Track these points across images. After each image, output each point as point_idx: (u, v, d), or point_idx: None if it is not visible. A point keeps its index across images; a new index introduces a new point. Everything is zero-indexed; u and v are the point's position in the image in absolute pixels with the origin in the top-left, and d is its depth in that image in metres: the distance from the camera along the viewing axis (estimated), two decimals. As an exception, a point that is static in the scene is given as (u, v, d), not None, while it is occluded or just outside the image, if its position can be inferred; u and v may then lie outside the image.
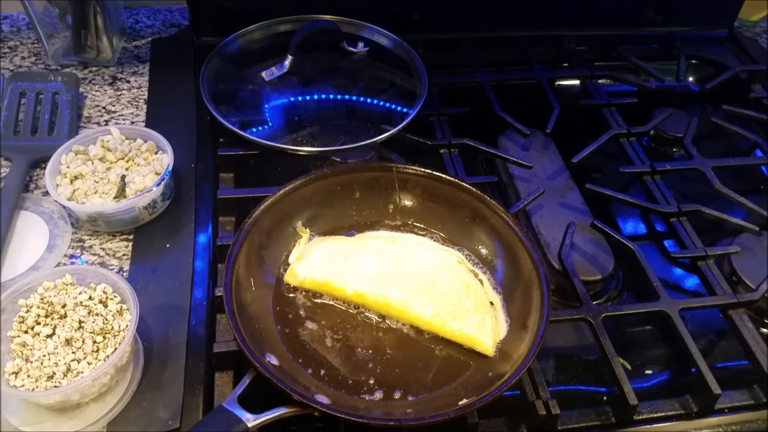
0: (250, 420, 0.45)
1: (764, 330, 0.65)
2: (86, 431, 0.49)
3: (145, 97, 0.79)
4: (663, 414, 0.56)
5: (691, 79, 0.95)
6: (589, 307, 0.59)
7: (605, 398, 0.58)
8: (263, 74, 0.77)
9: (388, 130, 0.70)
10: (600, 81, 0.90)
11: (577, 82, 0.90)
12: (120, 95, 0.79)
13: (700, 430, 0.55)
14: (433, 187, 0.63)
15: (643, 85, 0.88)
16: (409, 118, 0.72)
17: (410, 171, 0.64)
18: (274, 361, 0.51)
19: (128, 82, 0.81)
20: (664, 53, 0.95)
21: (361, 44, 0.81)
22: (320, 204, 0.63)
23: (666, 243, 0.73)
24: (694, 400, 0.56)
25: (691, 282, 0.69)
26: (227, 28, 0.82)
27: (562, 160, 0.78)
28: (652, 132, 0.84)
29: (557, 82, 0.91)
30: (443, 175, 0.63)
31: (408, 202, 0.65)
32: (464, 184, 0.63)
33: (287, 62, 0.77)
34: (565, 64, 0.93)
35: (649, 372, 0.61)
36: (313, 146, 0.69)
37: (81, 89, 0.78)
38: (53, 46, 0.81)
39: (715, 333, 0.65)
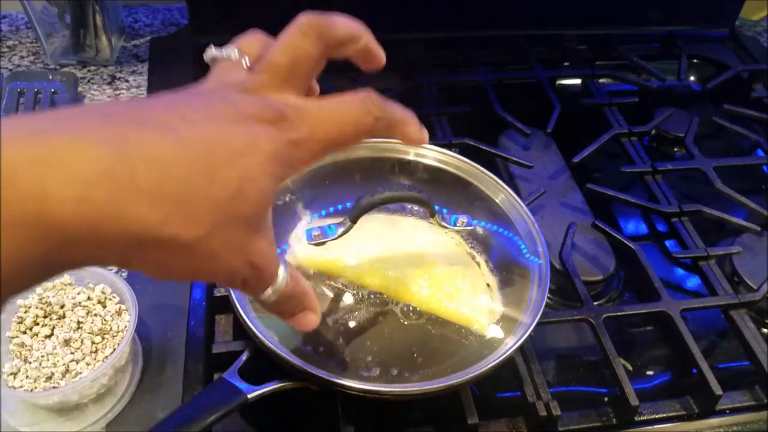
0: (250, 391, 0.46)
1: (765, 330, 0.64)
2: (85, 432, 0.49)
3: (144, 96, 0.79)
4: (664, 415, 0.55)
5: (692, 78, 0.95)
6: (590, 308, 0.59)
7: (606, 399, 0.57)
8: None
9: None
10: (601, 80, 0.89)
11: (577, 81, 0.90)
12: (119, 94, 0.79)
13: (701, 430, 0.55)
14: (434, 171, 0.63)
15: (644, 84, 0.88)
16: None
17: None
18: (274, 338, 0.51)
19: (127, 81, 0.81)
20: (665, 52, 0.95)
21: (462, 219, 0.57)
22: (320, 186, 0.63)
23: (667, 243, 0.72)
24: (695, 401, 0.56)
25: (693, 282, 0.69)
26: (227, 28, 0.81)
27: (563, 159, 0.78)
28: (653, 131, 0.83)
29: (558, 82, 0.90)
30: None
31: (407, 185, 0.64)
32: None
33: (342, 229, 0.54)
34: (565, 64, 0.93)
35: (650, 373, 0.61)
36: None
37: (80, 88, 0.78)
38: (52, 45, 0.81)
39: (716, 333, 0.65)
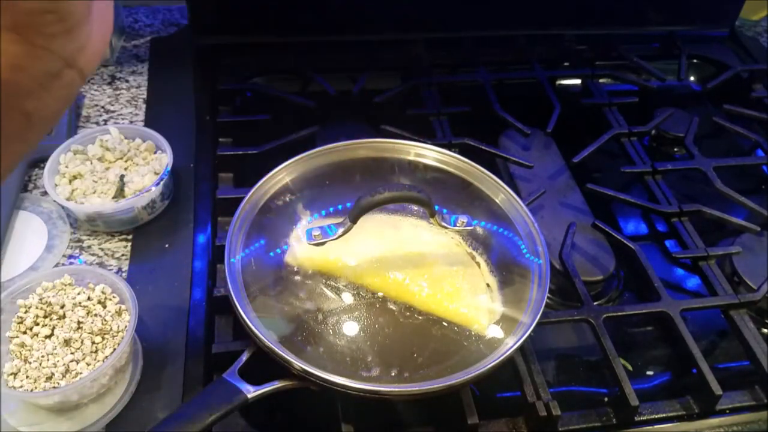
0: (250, 391, 0.46)
1: (765, 330, 0.64)
2: (85, 432, 0.49)
3: (144, 96, 0.79)
4: (664, 415, 0.55)
5: (692, 78, 0.95)
6: (590, 308, 0.59)
7: (606, 399, 0.58)
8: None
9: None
10: (601, 80, 0.89)
11: (578, 81, 0.90)
12: (119, 94, 0.79)
13: (701, 430, 0.55)
14: (434, 170, 0.63)
15: (644, 84, 0.88)
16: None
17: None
18: (274, 338, 0.51)
19: (127, 81, 0.81)
20: (665, 52, 0.95)
21: (462, 219, 0.57)
22: (320, 186, 0.63)
23: (667, 243, 0.72)
24: (695, 401, 0.56)
25: (693, 282, 0.69)
26: (227, 28, 0.81)
27: (563, 159, 0.78)
28: (653, 131, 0.83)
29: (558, 82, 0.90)
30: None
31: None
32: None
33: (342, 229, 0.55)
34: (566, 64, 0.93)
35: (650, 373, 0.61)
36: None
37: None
38: (52, 45, 0.81)
39: (716, 333, 0.65)
